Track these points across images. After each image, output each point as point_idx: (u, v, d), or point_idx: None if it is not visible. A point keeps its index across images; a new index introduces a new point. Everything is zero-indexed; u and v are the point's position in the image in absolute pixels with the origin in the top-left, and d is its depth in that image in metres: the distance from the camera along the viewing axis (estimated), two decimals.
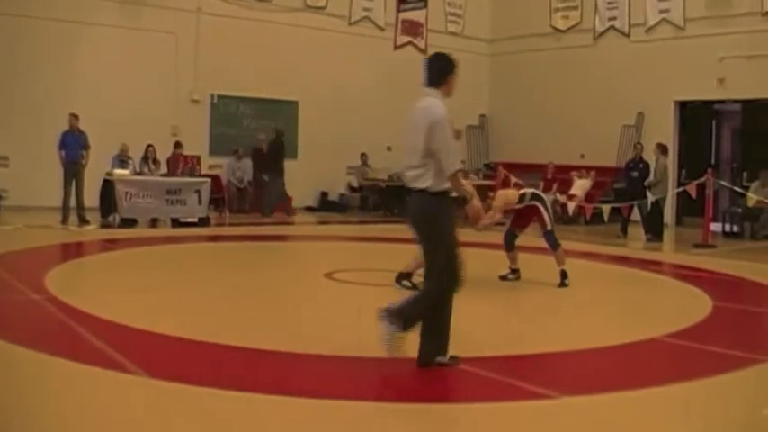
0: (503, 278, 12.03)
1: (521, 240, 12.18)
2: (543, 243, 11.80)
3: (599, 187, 22.91)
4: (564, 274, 11.78)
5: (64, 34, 19.75)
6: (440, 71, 7.30)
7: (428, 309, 6.78)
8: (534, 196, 11.93)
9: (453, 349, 6.84)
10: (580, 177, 22.66)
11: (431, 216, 6.72)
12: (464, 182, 6.99)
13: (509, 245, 12.15)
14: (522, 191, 12.18)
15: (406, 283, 10.75)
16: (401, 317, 6.59)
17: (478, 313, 9.64)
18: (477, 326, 8.88)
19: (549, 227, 11.81)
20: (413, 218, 6.85)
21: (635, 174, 19.05)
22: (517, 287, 11.69)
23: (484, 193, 11.70)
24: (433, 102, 6.89)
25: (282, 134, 22.31)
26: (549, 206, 12.08)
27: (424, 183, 6.65)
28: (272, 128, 22.45)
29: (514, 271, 12.12)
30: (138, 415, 5.43)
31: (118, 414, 5.42)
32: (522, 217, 12.04)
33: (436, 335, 6.79)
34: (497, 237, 12.04)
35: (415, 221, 6.83)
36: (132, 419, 5.33)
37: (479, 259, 12.93)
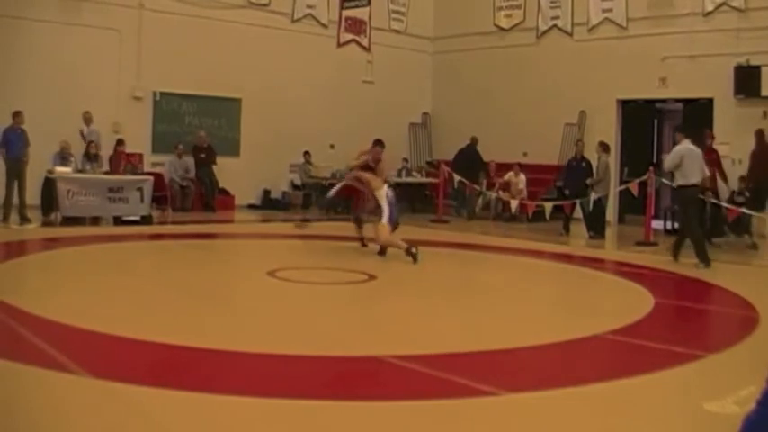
0: None
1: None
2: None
3: (541, 185, 23.07)
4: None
5: (2, 30, 19.39)
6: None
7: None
8: None
9: (393, 347, 6.83)
10: (516, 175, 22.83)
11: None
12: None
13: None
14: None
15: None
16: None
17: (420, 310, 9.65)
18: (419, 323, 8.90)
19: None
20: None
21: (577, 171, 19.24)
22: (461, 284, 11.71)
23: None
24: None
25: (477, 141, 22.81)
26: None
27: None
28: (470, 135, 23.43)
29: None
30: (80, 415, 5.35)
31: (60, 415, 5.34)
32: None
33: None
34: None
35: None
36: (75, 420, 5.26)
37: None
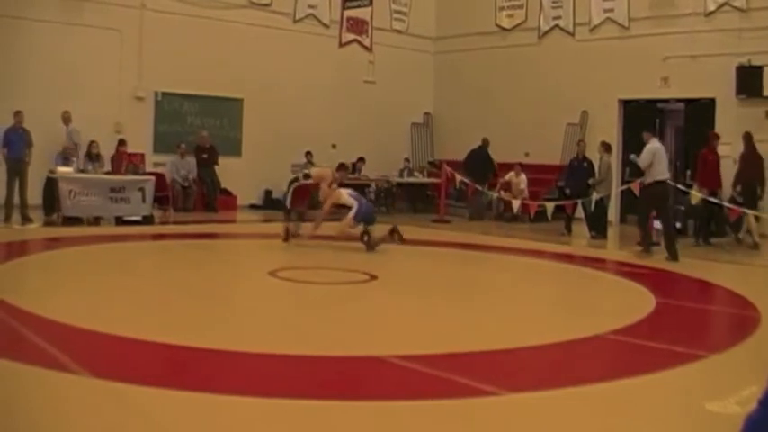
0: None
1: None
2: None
3: (543, 185, 23.05)
4: None
5: (3, 30, 19.39)
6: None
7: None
8: None
9: (394, 347, 6.82)
10: (518, 175, 22.81)
11: None
12: None
13: None
14: None
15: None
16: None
17: (421, 310, 9.64)
18: (420, 323, 8.89)
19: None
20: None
21: (579, 171, 19.23)
22: (463, 284, 11.69)
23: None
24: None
25: (488, 143, 23.06)
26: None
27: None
28: (481, 137, 23.43)
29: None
30: (80, 415, 5.35)
31: (60, 415, 5.33)
32: None
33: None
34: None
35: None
36: (75, 420, 5.25)
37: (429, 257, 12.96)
